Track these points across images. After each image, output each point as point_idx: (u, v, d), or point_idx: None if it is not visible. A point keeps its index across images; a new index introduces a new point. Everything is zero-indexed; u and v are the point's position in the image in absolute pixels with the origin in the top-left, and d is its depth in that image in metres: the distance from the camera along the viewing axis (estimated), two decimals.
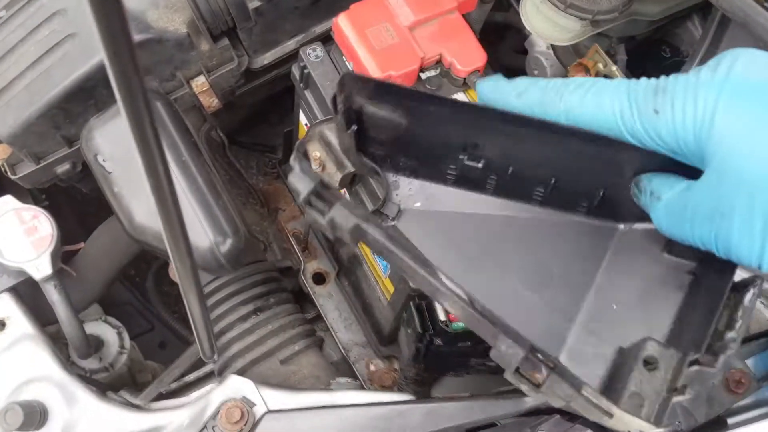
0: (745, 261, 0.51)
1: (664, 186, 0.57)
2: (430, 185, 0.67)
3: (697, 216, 0.53)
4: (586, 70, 0.96)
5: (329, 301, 1.18)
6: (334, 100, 0.62)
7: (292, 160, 0.62)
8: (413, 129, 0.64)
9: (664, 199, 0.56)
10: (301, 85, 0.94)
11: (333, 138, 0.87)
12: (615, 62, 0.95)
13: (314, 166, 0.86)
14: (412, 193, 0.67)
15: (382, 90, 0.62)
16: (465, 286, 0.57)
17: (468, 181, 0.66)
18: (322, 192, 0.61)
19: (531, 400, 0.74)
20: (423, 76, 0.90)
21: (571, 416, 0.72)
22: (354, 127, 0.64)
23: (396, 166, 0.68)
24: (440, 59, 0.90)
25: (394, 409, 0.78)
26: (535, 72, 1.09)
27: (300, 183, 0.61)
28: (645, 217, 0.60)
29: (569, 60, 1.05)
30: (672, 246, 0.64)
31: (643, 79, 0.53)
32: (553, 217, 0.66)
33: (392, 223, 0.66)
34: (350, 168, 0.85)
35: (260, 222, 1.26)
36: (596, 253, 0.65)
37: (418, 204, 0.67)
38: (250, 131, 1.35)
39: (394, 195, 0.67)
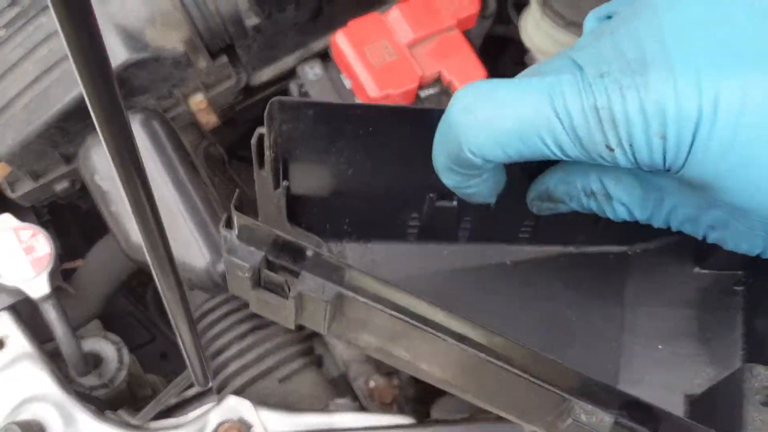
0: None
1: (621, 191, 0.46)
2: (386, 246, 0.54)
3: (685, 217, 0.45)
4: None
5: None
6: (259, 143, 0.50)
7: (223, 230, 0.46)
8: (364, 170, 0.51)
9: (633, 207, 0.46)
10: None
11: None
12: None
13: None
14: (364, 261, 0.54)
15: (326, 115, 0.49)
16: None
17: (435, 231, 0.54)
18: (275, 261, 0.44)
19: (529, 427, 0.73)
20: (422, 94, 0.90)
21: None
22: (285, 183, 0.52)
23: (339, 231, 0.54)
24: (439, 77, 0.90)
25: None
26: None
27: (241, 258, 0.44)
28: (656, 232, 0.49)
29: None
30: (704, 258, 0.53)
31: (567, 70, 0.40)
32: (549, 254, 0.54)
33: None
34: None
35: None
36: (614, 288, 0.54)
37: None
38: (249, 146, 1.34)
39: (345, 273, 0.48)
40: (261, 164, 0.54)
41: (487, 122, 0.41)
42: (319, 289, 0.42)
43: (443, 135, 0.44)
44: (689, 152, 0.37)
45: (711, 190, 0.39)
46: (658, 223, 0.47)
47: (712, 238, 0.45)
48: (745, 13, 0.37)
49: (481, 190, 0.45)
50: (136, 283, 1.66)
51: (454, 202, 0.52)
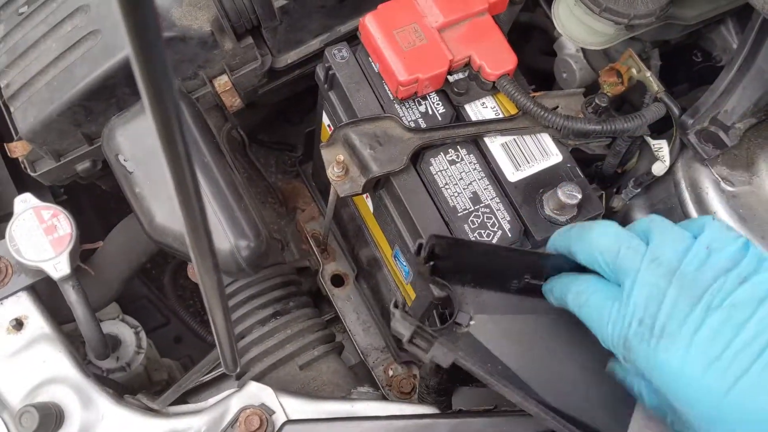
0: None
1: (644, 391, 0.63)
2: (494, 294, 0.72)
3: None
4: (618, 75, 0.93)
5: (347, 303, 1.16)
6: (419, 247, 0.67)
7: (392, 307, 0.68)
8: (483, 265, 0.71)
9: (647, 400, 0.63)
10: (326, 86, 0.92)
11: (357, 141, 0.85)
12: (649, 67, 0.92)
13: (337, 170, 0.85)
14: (478, 302, 0.72)
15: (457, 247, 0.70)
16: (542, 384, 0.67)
17: (529, 290, 0.71)
18: (421, 332, 0.67)
19: (549, 419, 0.72)
20: (451, 78, 0.88)
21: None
22: (431, 263, 0.69)
23: (463, 280, 0.72)
24: (469, 62, 0.88)
25: (418, 423, 0.76)
26: (564, 75, 1.07)
27: (402, 327, 0.67)
28: None
29: (599, 63, 1.02)
30: None
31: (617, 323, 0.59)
32: None
33: (465, 330, 0.70)
34: (375, 172, 0.83)
35: (278, 221, 1.25)
36: None
37: (485, 313, 0.72)
38: (270, 130, 1.33)
39: (463, 306, 0.72)
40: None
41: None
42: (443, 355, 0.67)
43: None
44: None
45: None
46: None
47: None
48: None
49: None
50: (151, 266, 1.66)
51: (543, 281, 0.71)
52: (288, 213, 1.26)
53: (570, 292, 0.64)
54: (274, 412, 0.81)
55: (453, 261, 0.69)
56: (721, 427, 0.53)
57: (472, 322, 0.70)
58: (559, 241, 0.67)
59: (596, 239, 0.62)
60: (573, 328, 0.67)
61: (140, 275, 1.61)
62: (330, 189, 0.95)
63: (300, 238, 1.23)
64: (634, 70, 0.92)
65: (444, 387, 0.94)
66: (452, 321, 0.70)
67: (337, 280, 1.18)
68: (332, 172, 0.85)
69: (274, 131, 1.34)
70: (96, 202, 1.37)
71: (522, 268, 0.70)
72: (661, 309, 0.56)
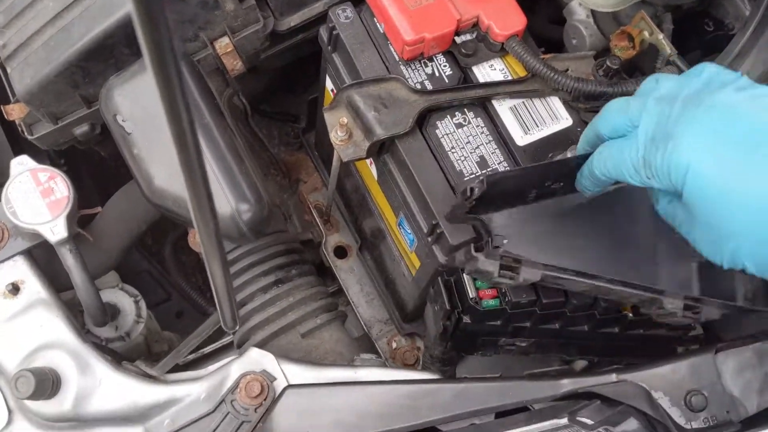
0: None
1: (661, 197, 0.67)
2: (514, 210, 0.76)
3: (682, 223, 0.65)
4: (630, 39, 0.91)
5: (351, 275, 1.14)
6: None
7: (474, 252, 0.71)
8: (508, 188, 0.74)
9: (660, 204, 0.67)
10: (329, 47, 0.90)
11: (361, 103, 0.83)
12: (661, 30, 0.89)
13: (340, 133, 0.83)
14: (505, 221, 0.75)
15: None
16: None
17: (546, 194, 0.76)
18: (506, 264, 0.71)
19: (568, 383, 0.70)
20: (458, 39, 0.86)
21: (611, 401, 0.68)
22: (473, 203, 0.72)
23: (486, 207, 0.75)
24: (477, 22, 0.86)
25: (422, 388, 0.74)
26: (573, 41, 1.04)
27: (489, 266, 0.70)
28: None
29: (610, 28, 1.00)
30: None
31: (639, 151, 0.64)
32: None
33: (503, 250, 0.73)
34: (379, 135, 0.81)
35: (281, 193, 1.23)
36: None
37: (512, 229, 0.75)
38: (273, 100, 1.31)
39: (494, 229, 0.75)
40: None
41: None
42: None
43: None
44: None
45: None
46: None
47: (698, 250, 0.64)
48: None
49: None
50: (152, 241, 1.64)
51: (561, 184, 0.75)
52: (291, 185, 1.24)
53: (594, 160, 0.69)
54: (275, 379, 0.80)
55: (485, 195, 0.71)
56: (721, 212, 0.58)
57: (505, 241, 0.73)
58: (586, 132, 0.73)
59: (610, 107, 0.68)
60: (595, 207, 0.75)
61: (141, 250, 1.59)
62: (333, 156, 0.93)
63: (303, 210, 1.21)
64: (646, 33, 0.90)
65: (448, 356, 0.93)
66: (489, 243, 0.73)
67: (341, 252, 1.16)
68: (335, 136, 0.83)
69: (277, 102, 1.31)
70: (95, 171, 1.35)
71: (546, 179, 0.74)
72: (667, 121, 0.61)
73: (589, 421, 0.65)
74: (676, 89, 0.64)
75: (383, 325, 1.11)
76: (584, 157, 0.71)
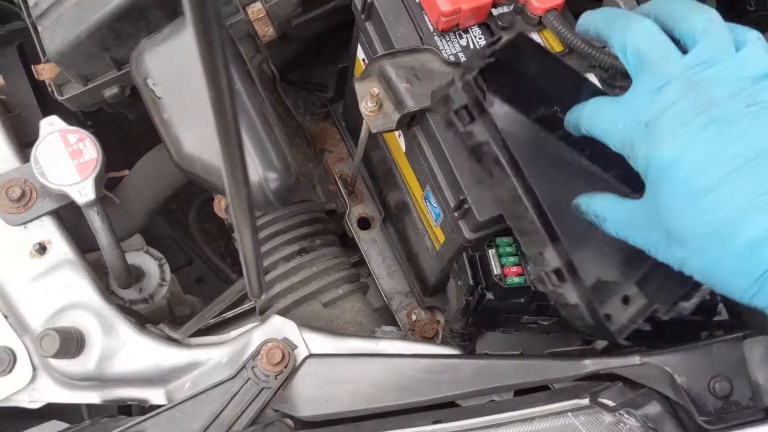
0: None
1: (606, 210, 0.66)
2: (516, 114, 0.75)
3: (639, 231, 0.64)
4: None
5: (373, 247, 1.14)
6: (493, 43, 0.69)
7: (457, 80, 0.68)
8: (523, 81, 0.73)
9: (609, 220, 0.66)
10: (363, 16, 0.89)
11: (393, 74, 0.82)
12: None
13: (370, 104, 0.82)
14: (500, 113, 0.74)
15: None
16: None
17: (544, 121, 0.75)
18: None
19: (590, 364, 0.70)
20: (495, 12, 0.84)
21: (633, 383, 0.67)
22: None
23: (495, 89, 0.73)
24: None
25: (443, 363, 0.74)
26: None
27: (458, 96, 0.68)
28: None
29: None
30: None
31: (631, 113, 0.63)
32: None
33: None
34: (410, 107, 0.80)
35: (305, 162, 1.22)
36: None
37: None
38: (300, 68, 1.30)
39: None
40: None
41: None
42: None
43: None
44: None
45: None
46: None
47: (653, 254, 0.64)
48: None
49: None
50: (176, 206, 1.65)
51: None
52: (316, 155, 1.24)
53: (585, 109, 0.67)
54: (296, 347, 0.80)
55: (500, 71, 0.69)
56: (689, 228, 0.57)
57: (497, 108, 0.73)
58: (597, 19, 0.70)
59: (636, 35, 0.64)
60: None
61: (164, 216, 1.60)
62: (361, 127, 0.92)
63: (328, 180, 1.21)
64: None
65: (468, 332, 0.93)
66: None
67: (364, 223, 1.16)
68: (365, 107, 0.82)
69: (305, 70, 1.30)
70: (121, 134, 1.35)
71: (560, 94, 0.72)
72: (667, 113, 0.59)
73: (610, 403, 0.65)
74: (704, 64, 0.60)
75: (404, 298, 1.11)
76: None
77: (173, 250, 1.61)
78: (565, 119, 0.71)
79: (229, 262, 1.65)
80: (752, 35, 0.62)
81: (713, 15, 0.63)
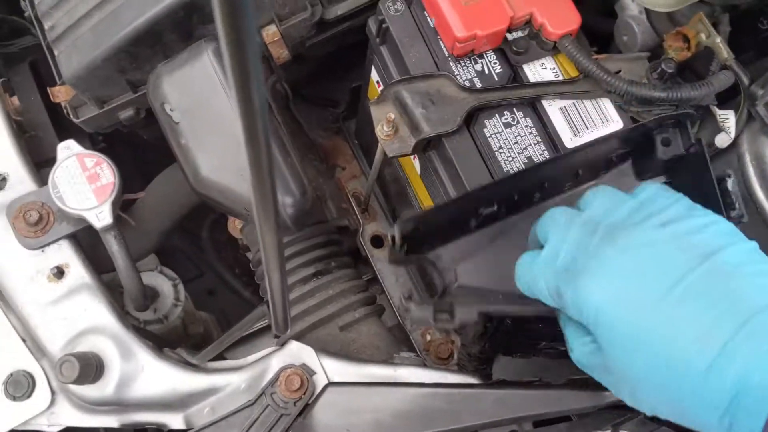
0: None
1: (574, 341, 0.65)
2: (460, 241, 0.74)
3: (601, 376, 0.63)
4: (685, 40, 0.89)
5: (387, 265, 1.14)
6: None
7: (404, 302, 0.71)
8: (445, 221, 0.74)
9: (575, 351, 0.65)
10: (377, 40, 0.89)
11: (409, 99, 0.82)
12: (718, 33, 0.87)
13: (386, 128, 0.82)
14: (451, 254, 0.74)
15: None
16: None
17: (485, 221, 0.75)
18: (439, 309, 0.70)
19: (611, 394, 0.70)
20: (510, 37, 0.84)
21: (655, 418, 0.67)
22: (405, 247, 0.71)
23: (432, 244, 0.74)
24: (530, 19, 0.84)
25: (462, 393, 0.74)
26: (624, 38, 1.02)
27: (424, 312, 0.69)
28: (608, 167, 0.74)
29: (664, 27, 0.97)
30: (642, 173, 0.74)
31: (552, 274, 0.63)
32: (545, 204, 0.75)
33: (456, 284, 0.73)
34: (426, 133, 0.80)
35: (317, 178, 1.22)
36: None
37: (463, 261, 0.75)
38: (313, 84, 1.30)
39: (443, 266, 0.74)
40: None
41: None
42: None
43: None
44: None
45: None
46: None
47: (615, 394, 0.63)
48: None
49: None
50: (188, 219, 1.64)
51: (495, 207, 0.74)
52: (327, 170, 1.24)
53: (518, 270, 0.68)
54: (314, 373, 0.80)
55: (420, 233, 0.71)
56: (624, 356, 0.57)
57: (457, 280, 0.73)
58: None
59: (546, 216, 0.67)
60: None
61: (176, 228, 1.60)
62: (374, 148, 0.92)
63: (339, 196, 1.21)
64: (703, 35, 0.87)
65: (486, 356, 0.93)
66: (443, 287, 0.73)
67: (377, 241, 1.16)
68: (381, 131, 0.82)
69: (317, 86, 1.30)
70: (133, 152, 1.35)
71: (478, 206, 0.73)
72: (584, 253, 0.60)
73: None
74: (602, 213, 0.62)
75: None
76: (504, 185, 0.74)
77: (183, 262, 1.61)
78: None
79: (238, 273, 1.65)
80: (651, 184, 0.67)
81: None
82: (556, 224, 0.64)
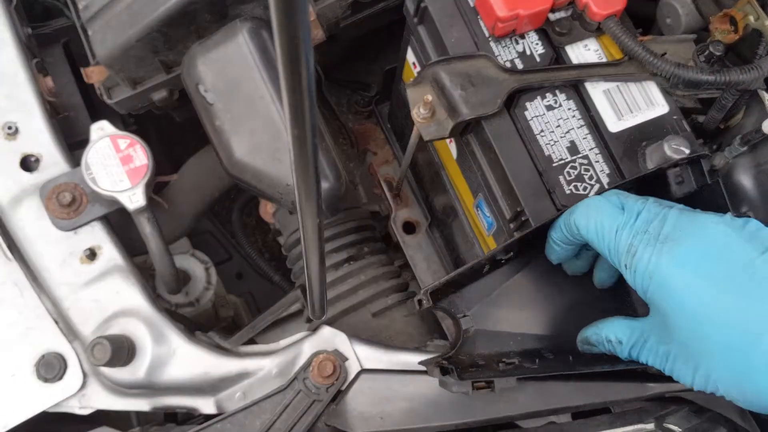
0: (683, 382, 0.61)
1: (619, 333, 0.67)
2: (472, 286, 0.76)
3: (651, 350, 0.64)
4: (732, 22, 0.85)
5: (418, 252, 1.12)
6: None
7: (443, 377, 0.69)
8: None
9: (625, 343, 0.66)
10: (415, 20, 0.87)
11: (447, 81, 0.80)
12: None
13: (423, 111, 0.80)
14: (465, 302, 0.76)
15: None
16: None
17: (494, 266, 0.76)
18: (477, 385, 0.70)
19: (655, 386, 0.68)
20: (552, 17, 0.82)
21: (699, 407, 0.65)
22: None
23: (447, 293, 0.76)
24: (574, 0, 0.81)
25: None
26: (668, 20, 0.99)
27: (461, 388, 0.68)
28: None
29: (708, 9, 0.94)
30: None
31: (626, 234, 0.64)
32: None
33: (473, 330, 0.76)
34: (465, 115, 0.78)
35: (348, 162, 1.21)
36: None
37: (477, 305, 0.77)
38: (344, 67, 1.28)
39: (461, 315, 0.76)
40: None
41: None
42: None
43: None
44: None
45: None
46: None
47: (667, 369, 0.62)
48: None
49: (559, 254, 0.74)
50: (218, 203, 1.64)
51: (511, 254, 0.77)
52: (358, 155, 1.22)
53: (576, 214, 0.68)
54: (347, 359, 0.79)
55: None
56: (700, 329, 0.57)
57: (473, 327, 0.75)
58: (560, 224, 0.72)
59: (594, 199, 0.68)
60: (546, 270, 0.76)
61: None
62: (408, 132, 0.90)
63: (370, 181, 1.19)
64: (751, 18, 0.84)
65: None
66: (461, 336, 0.75)
67: (409, 227, 1.14)
68: (417, 113, 0.80)
69: (348, 69, 1.28)
70: (163, 134, 1.34)
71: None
72: (666, 222, 0.61)
73: (677, 429, 0.63)
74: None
75: None
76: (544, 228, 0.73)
77: (213, 245, 1.61)
78: (548, 241, 0.74)
79: (267, 258, 1.64)
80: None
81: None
82: (627, 197, 0.65)
